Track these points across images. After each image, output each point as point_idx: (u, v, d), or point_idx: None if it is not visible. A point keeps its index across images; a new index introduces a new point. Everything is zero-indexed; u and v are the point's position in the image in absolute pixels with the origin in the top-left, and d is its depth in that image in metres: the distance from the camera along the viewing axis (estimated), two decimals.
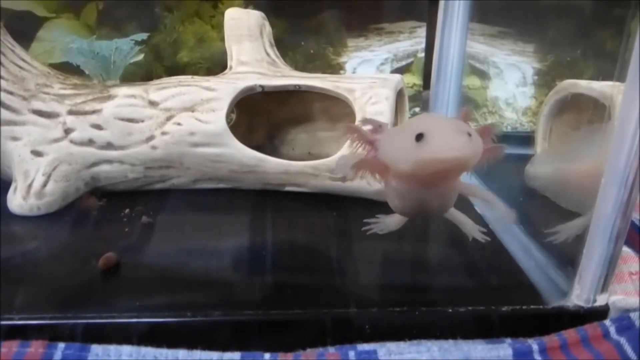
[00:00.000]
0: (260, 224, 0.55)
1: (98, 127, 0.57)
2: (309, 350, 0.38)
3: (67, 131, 0.57)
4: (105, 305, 0.41)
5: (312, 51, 0.84)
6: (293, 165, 0.59)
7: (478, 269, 0.48)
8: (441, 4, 0.70)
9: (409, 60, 0.86)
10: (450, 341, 0.39)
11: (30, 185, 0.55)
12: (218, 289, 0.44)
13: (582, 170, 0.51)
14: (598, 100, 0.58)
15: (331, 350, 0.38)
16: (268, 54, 0.66)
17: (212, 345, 0.38)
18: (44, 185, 0.55)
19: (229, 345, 0.38)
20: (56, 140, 0.57)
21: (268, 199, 0.60)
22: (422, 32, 0.85)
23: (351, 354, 0.37)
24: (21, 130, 0.56)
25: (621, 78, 0.38)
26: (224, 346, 0.38)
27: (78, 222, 0.54)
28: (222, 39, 0.67)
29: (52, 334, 0.37)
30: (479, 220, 0.56)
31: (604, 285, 0.41)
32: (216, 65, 0.80)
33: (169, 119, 0.57)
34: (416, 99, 0.86)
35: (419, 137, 0.37)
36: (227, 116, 0.58)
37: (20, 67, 0.59)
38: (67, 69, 0.66)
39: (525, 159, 0.66)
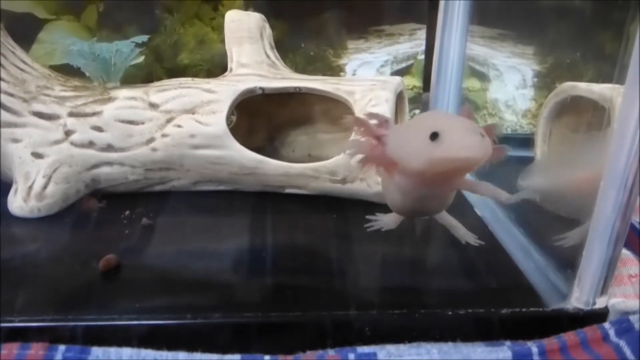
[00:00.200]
0: (260, 226, 0.55)
1: (98, 129, 0.57)
2: (308, 352, 0.38)
3: (68, 133, 0.57)
4: (106, 307, 0.41)
5: (312, 53, 0.84)
6: (293, 167, 0.59)
7: (477, 271, 0.48)
8: (441, 6, 0.70)
9: (409, 63, 0.86)
10: (450, 343, 0.39)
11: (30, 187, 0.55)
12: (218, 291, 0.44)
13: (583, 178, 0.51)
14: (597, 102, 0.58)
15: (331, 352, 0.38)
16: (268, 56, 0.66)
17: (212, 348, 0.38)
18: (45, 187, 0.55)
19: (229, 347, 0.38)
20: (57, 142, 0.57)
21: (268, 201, 0.60)
22: (422, 34, 0.85)
23: (351, 356, 0.38)
24: (22, 132, 0.57)
25: (620, 80, 0.38)
26: (224, 348, 0.38)
27: (78, 224, 0.54)
28: (223, 41, 0.67)
29: (52, 336, 0.37)
30: (479, 222, 0.56)
31: (604, 287, 0.41)
32: (216, 67, 0.80)
33: (169, 121, 0.58)
34: (416, 101, 0.86)
35: (434, 136, 0.37)
36: (228, 118, 0.58)
37: (21, 69, 0.59)
38: (67, 71, 0.67)
39: (525, 161, 0.66)
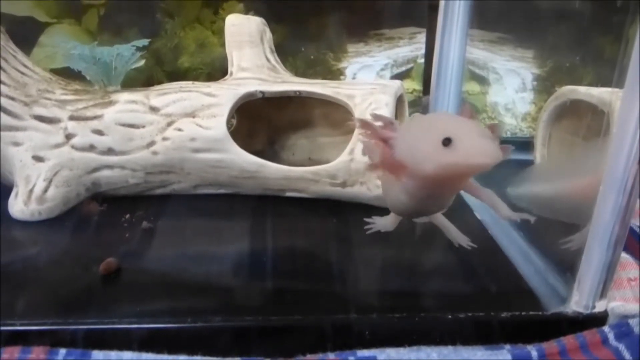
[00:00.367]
0: (261, 230, 0.55)
1: (99, 132, 0.57)
2: (309, 355, 0.38)
3: (69, 137, 0.57)
4: (106, 310, 0.41)
5: (312, 57, 0.85)
6: (293, 170, 0.59)
7: (477, 274, 0.48)
8: (441, 10, 0.70)
9: (409, 66, 0.86)
10: (450, 347, 0.39)
11: (31, 191, 0.55)
12: (218, 294, 0.44)
13: (586, 183, 0.51)
14: (597, 106, 0.58)
15: (331, 356, 0.38)
16: (268, 60, 0.66)
17: (212, 351, 0.38)
18: (45, 190, 0.55)
19: (230, 350, 0.38)
20: (57, 146, 0.57)
21: (268, 205, 0.60)
22: (422, 37, 0.85)
23: (351, 359, 0.38)
24: (22, 135, 0.57)
25: (620, 84, 0.38)
26: (225, 352, 0.38)
27: (79, 228, 0.54)
28: (223, 45, 0.68)
29: (53, 340, 0.37)
30: (478, 225, 0.56)
31: (603, 291, 0.41)
32: (217, 71, 0.80)
33: (169, 124, 0.58)
34: (416, 104, 0.86)
35: (447, 141, 0.37)
36: (228, 122, 0.58)
37: (22, 73, 0.59)
38: (68, 74, 0.67)
39: (525, 164, 0.66)
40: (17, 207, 0.55)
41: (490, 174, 0.43)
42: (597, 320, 0.41)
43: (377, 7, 0.85)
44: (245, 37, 0.66)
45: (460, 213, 0.51)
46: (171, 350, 0.38)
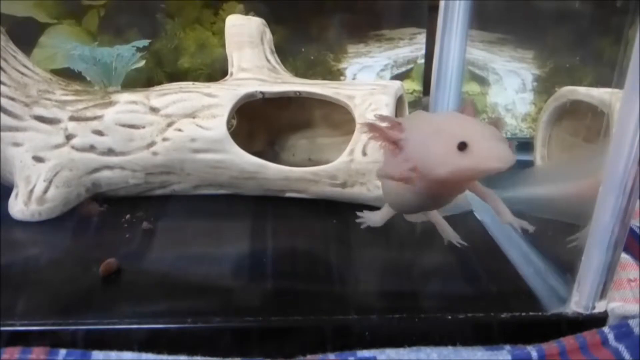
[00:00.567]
0: (261, 231, 0.55)
1: (99, 133, 0.57)
2: (309, 356, 0.38)
3: (69, 137, 0.57)
4: (107, 311, 0.41)
5: (312, 57, 0.85)
6: (293, 171, 0.59)
7: (477, 275, 0.48)
8: (441, 11, 0.70)
9: (409, 67, 0.86)
10: (450, 348, 0.39)
11: (31, 191, 0.55)
12: (219, 295, 0.44)
13: (588, 184, 0.50)
14: (597, 107, 0.58)
15: (331, 356, 0.38)
16: (269, 61, 0.66)
17: (212, 352, 0.38)
18: (45, 191, 0.55)
19: (230, 351, 0.38)
20: (58, 146, 0.57)
21: (268, 205, 0.60)
22: (422, 38, 0.85)
23: (351, 359, 0.38)
24: (23, 136, 0.57)
25: (619, 85, 0.38)
26: (225, 352, 0.38)
27: (79, 228, 0.54)
28: (223, 46, 0.68)
29: (53, 340, 0.37)
30: (479, 226, 0.56)
31: (603, 292, 0.41)
32: (217, 71, 0.80)
33: (170, 125, 0.58)
34: (416, 105, 0.86)
35: (462, 145, 0.37)
36: (228, 122, 0.58)
37: (22, 74, 0.59)
38: (68, 75, 0.67)
39: (525, 165, 0.66)
40: (17, 207, 0.55)
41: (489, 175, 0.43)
42: (597, 320, 0.41)
43: (377, 8, 0.85)
44: (245, 37, 0.66)
45: (461, 214, 0.51)
46: (171, 351, 0.38)
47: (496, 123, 0.41)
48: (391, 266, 0.50)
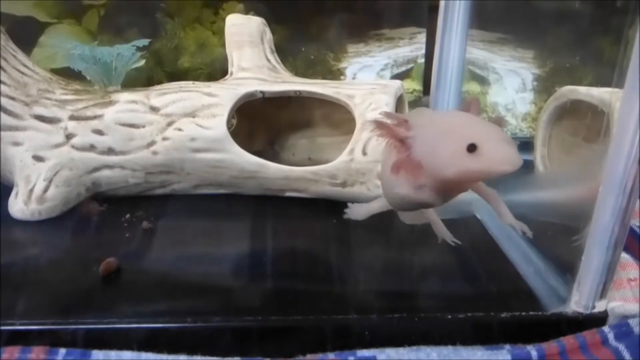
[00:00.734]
0: (261, 230, 0.55)
1: (99, 132, 0.57)
2: (309, 356, 0.38)
3: (69, 136, 0.57)
4: (106, 310, 0.41)
5: (312, 57, 0.85)
6: (293, 170, 0.59)
7: (477, 275, 0.48)
8: (441, 10, 0.70)
9: (409, 66, 0.86)
10: (450, 347, 0.39)
11: (31, 191, 0.55)
12: (218, 294, 0.44)
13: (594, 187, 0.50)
14: (597, 106, 0.58)
15: (331, 356, 0.38)
16: (269, 60, 0.66)
17: (212, 351, 0.38)
18: (45, 190, 0.55)
19: (230, 351, 0.38)
20: (57, 146, 0.57)
21: (268, 205, 0.60)
22: (422, 38, 0.85)
23: (351, 359, 0.38)
24: (23, 135, 0.57)
25: (620, 84, 0.38)
26: (225, 352, 0.38)
27: (79, 228, 0.54)
28: (223, 45, 0.68)
29: (53, 340, 0.37)
30: (479, 225, 0.56)
31: (603, 291, 0.41)
32: (217, 71, 0.80)
33: (170, 124, 0.58)
34: (416, 104, 0.86)
35: (472, 147, 0.37)
36: (228, 122, 0.58)
37: (22, 73, 0.59)
38: (68, 74, 0.67)
39: (525, 164, 0.65)
40: (17, 206, 0.55)
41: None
42: (597, 320, 0.41)
43: (377, 7, 0.85)
44: (245, 37, 0.66)
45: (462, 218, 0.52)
46: (171, 350, 0.38)
47: (498, 122, 0.41)
48: (391, 266, 0.50)
